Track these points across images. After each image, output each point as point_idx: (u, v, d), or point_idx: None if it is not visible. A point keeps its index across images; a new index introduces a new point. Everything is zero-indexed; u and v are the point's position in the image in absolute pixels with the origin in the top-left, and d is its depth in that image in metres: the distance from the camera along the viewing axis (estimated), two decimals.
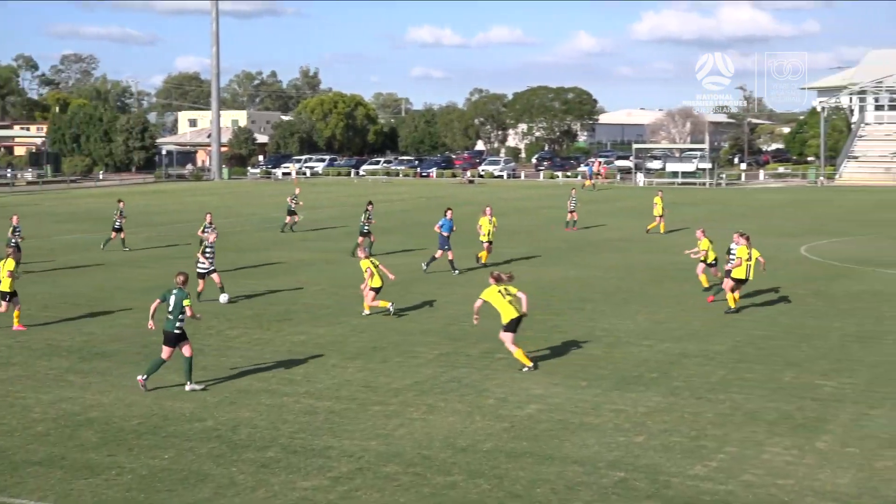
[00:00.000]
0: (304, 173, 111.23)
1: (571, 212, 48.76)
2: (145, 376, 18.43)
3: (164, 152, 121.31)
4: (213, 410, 17.20)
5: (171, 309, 18.30)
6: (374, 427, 16.22)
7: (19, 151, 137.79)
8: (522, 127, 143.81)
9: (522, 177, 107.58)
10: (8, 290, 24.40)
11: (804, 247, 40.84)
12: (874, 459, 14.58)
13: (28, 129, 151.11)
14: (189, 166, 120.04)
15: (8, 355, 21.51)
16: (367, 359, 20.99)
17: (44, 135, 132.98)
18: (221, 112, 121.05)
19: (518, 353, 19.77)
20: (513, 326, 19.69)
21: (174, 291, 18.41)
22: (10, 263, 24.63)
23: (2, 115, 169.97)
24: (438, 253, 33.27)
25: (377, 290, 25.38)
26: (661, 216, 47.04)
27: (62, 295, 29.23)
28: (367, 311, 25.77)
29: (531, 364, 19.78)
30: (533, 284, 28.26)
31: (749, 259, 25.92)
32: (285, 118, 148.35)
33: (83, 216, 58.87)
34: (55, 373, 19.98)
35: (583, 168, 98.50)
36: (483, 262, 34.67)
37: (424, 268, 33.30)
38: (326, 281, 32.05)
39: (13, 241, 35.01)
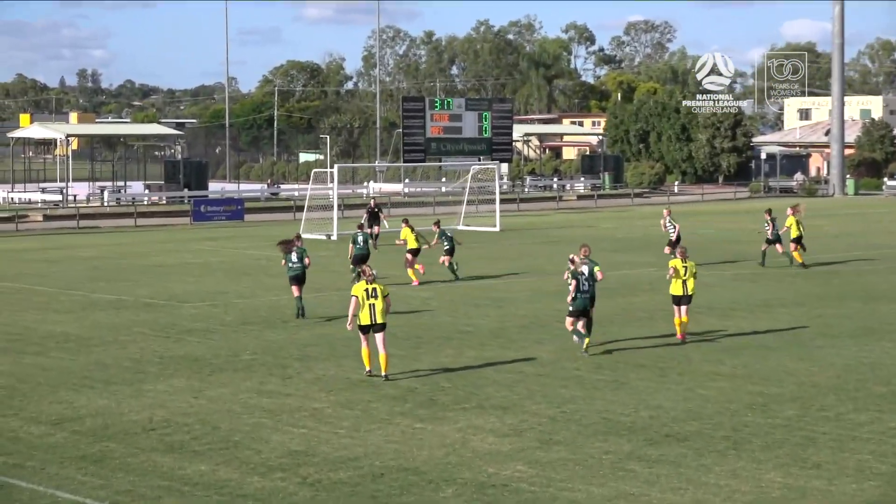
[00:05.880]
0: None
1: None
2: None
3: (762, 156, 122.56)
4: None
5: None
6: None
7: (568, 154, 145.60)
8: None
9: None
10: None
11: None
12: None
13: (580, 125, 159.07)
14: (798, 175, 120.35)
15: (551, 430, 22.65)
16: None
17: (601, 132, 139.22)
18: (846, 98, 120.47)
19: None
20: None
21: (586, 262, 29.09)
22: None
23: (548, 106, 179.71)
24: None
25: None
26: None
27: (613, 354, 30.36)
28: None
29: None
30: None
31: None
32: None
33: (643, 244, 59.69)
34: (611, 458, 20.77)
35: None
36: None
37: None
38: None
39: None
